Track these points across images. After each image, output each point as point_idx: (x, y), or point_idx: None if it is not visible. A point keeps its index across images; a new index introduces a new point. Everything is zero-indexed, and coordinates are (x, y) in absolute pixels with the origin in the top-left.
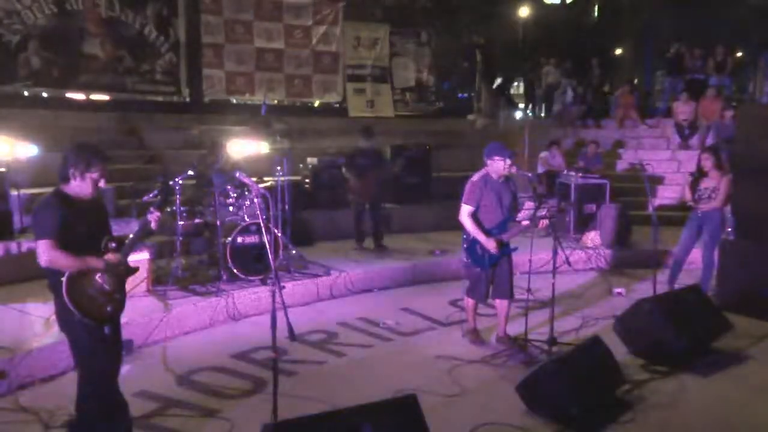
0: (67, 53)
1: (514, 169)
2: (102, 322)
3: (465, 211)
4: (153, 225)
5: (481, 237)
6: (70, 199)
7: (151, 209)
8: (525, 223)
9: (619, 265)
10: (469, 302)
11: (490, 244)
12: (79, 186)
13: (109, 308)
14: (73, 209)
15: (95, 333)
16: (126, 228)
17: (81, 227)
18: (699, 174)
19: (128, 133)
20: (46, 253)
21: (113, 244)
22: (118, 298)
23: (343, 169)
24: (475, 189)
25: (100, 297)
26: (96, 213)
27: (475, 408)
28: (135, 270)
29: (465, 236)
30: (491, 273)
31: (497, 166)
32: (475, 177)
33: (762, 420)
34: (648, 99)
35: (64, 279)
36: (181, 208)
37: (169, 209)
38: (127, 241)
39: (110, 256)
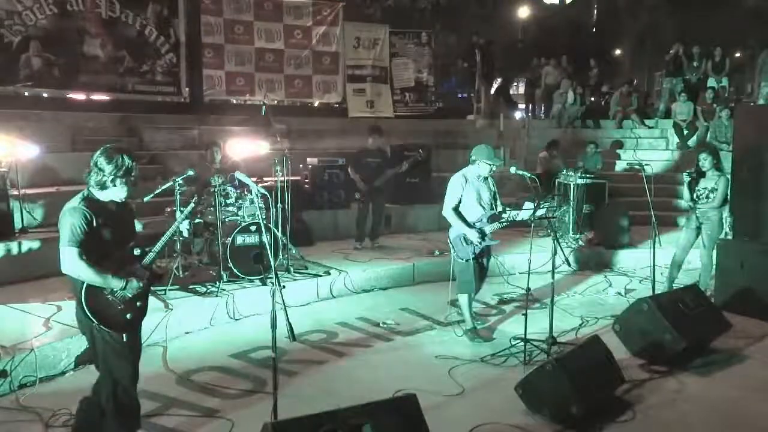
0: (68, 54)
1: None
2: (120, 331)
3: (447, 206)
4: (185, 234)
5: (464, 228)
6: (99, 204)
7: (182, 220)
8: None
9: (619, 265)
10: (463, 298)
11: (473, 234)
12: (118, 191)
13: (129, 316)
14: (102, 215)
15: (112, 340)
16: None
17: (107, 233)
18: (697, 174)
19: (128, 133)
20: (68, 261)
21: (137, 251)
22: (139, 305)
23: (349, 169)
24: (456, 186)
25: (120, 304)
26: (122, 217)
27: (475, 408)
28: (161, 276)
29: (450, 230)
30: (476, 265)
31: (483, 169)
32: (456, 175)
33: (762, 420)
34: (647, 99)
35: (84, 286)
36: (181, 209)
37: (169, 209)
38: (153, 249)
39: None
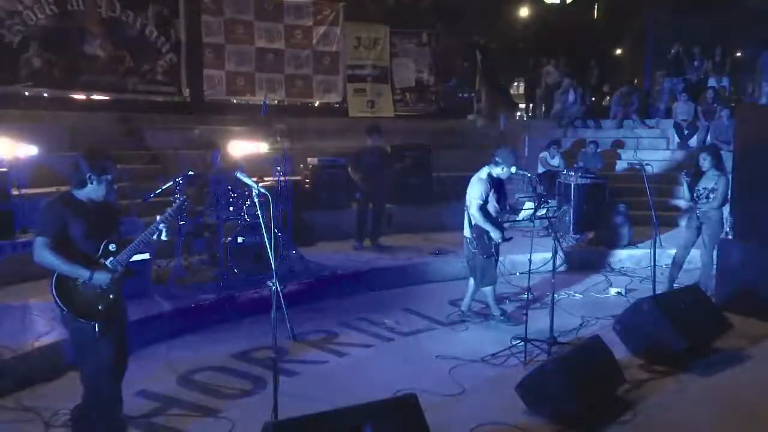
0: (68, 54)
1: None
2: (91, 319)
3: (476, 205)
4: (164, 236)
5: (489, 226)
6: (77, 202)
7: (162, 220)
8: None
9: (619, 266)
10: (488, 290)
11: (497, 234)
12: (95, 190)
13: (100, 307)
14: (75, 211)
15: (83, 329)
16: (127, 227)
17: (79, 229)
18: (697, 174)
19: (129, 133)
20: (37, 249)
21: (112, 247)
22: (111, 298)
23: (349, 169)
24: (484, 185)
25: (90, 295)
26: (100, 215)
27: (475, 408)
28: (132, 273)
29: (471, 228)
30: (497, 257)
31: (504, 172)
32: (483, 175)
33: (762, 420)
34: (648, 99)
35: (55, 274)
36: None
37: (169, 209)
38: (129, 245)
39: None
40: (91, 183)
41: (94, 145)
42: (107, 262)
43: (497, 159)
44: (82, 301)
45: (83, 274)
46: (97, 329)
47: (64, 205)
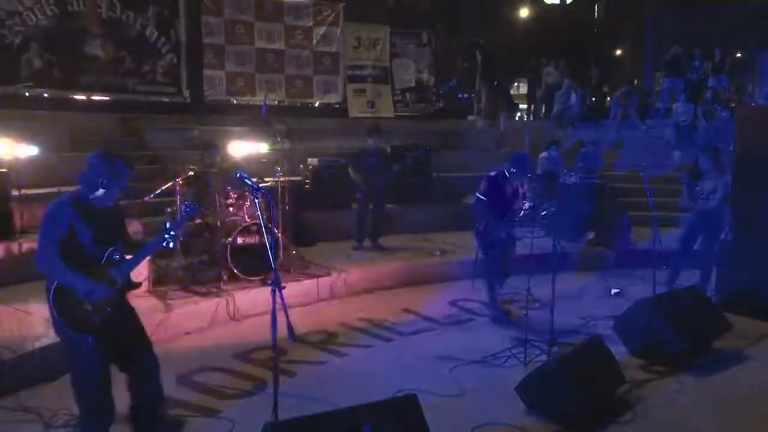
0: (69, 54)
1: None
2: (85, 333)
3: (474, 198)
4: (172, 244)
5: (491, 221)
6: (86, 204)
7: (170, 230)
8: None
9: (619, 265)
10: (487, 286)
11: (501, 230)
12: (105, 196)
13: (96, 320)
14: (85, 216)
15: (77, 341)
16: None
17: (87, 234)
18: (697, 174)
19: (129, 133)
20: (41, 256)
21: (116, 256)
22: (110, 311)
23: (350, 169)
24: (491, 183)
25: (90, 307)
26: (108, 220)
27: (475, 408)
28: (137, 285)
29: (477, 224)
30: (502, 255)
31: (514, 176)
32: (492, 173)
33: (762, 420)
34: (647, 99)
35: (56, 283)
36: (170, 222)
37: (169, 209)
38: (132, 255)
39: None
40: (104, 189)
41: (110, 149)
42: (108, 273)
43: (512, 161)
44: (80, 313)
45: (85, 288)
46: (90, 342)
47: (73, 206)
